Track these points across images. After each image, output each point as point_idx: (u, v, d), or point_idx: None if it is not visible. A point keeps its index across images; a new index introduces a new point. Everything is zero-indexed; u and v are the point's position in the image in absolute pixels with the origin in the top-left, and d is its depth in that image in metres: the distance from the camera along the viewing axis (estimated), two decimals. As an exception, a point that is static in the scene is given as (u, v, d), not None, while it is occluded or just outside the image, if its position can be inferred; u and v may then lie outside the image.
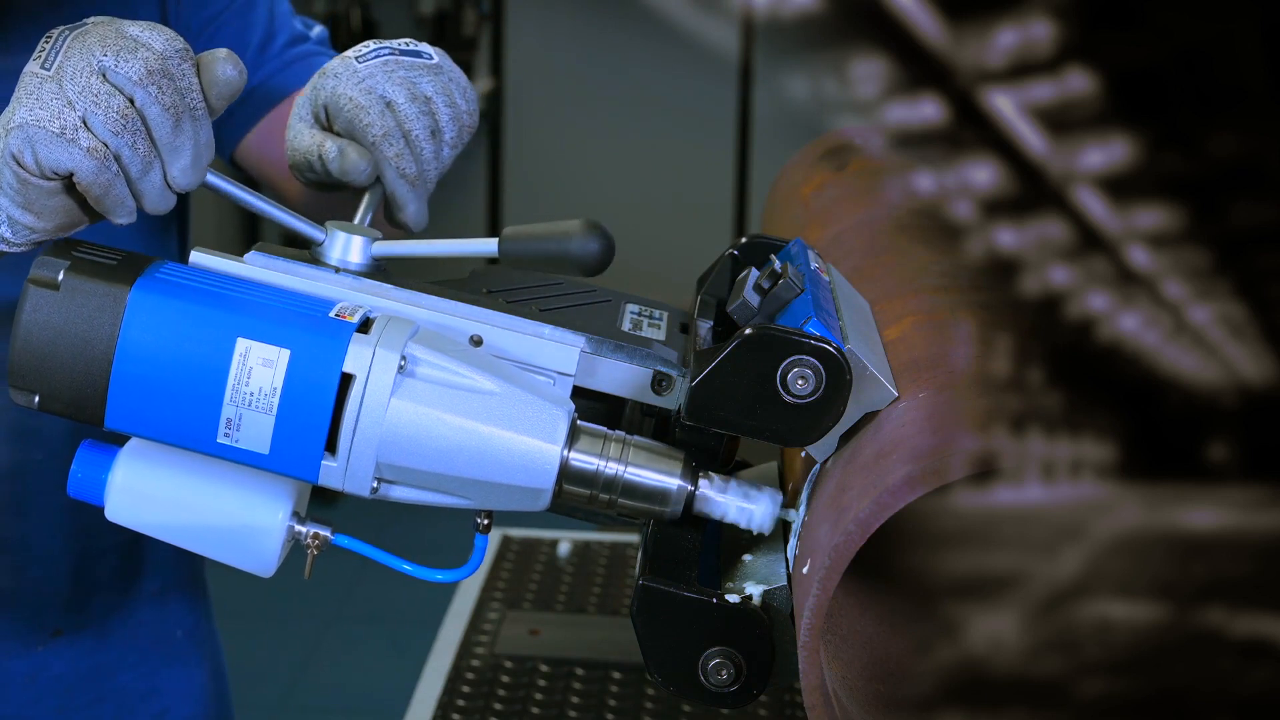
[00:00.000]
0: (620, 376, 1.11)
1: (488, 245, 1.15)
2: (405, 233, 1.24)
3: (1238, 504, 0.70)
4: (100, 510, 1.08)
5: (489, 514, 1.09)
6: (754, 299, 1.08)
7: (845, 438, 1.03)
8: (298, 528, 1.09)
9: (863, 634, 1.12)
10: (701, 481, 1.05)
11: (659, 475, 1.05)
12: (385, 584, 2.78)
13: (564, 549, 2.20)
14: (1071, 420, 0.78)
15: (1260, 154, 0.67)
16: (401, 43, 1.25)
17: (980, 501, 0.89)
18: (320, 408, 1.01)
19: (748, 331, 1.00)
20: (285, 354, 1.01)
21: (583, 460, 1.04)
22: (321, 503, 1.12)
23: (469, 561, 1.12)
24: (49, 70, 1.04)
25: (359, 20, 5.47)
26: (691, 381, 1.01)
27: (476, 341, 1.10)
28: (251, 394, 1.01)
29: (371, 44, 1.25)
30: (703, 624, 1.02)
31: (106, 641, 1.60)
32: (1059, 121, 0.74)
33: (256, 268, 1.10)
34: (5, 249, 1.09)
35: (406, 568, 1.10)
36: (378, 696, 3.88)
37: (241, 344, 1.02)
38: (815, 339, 0.99)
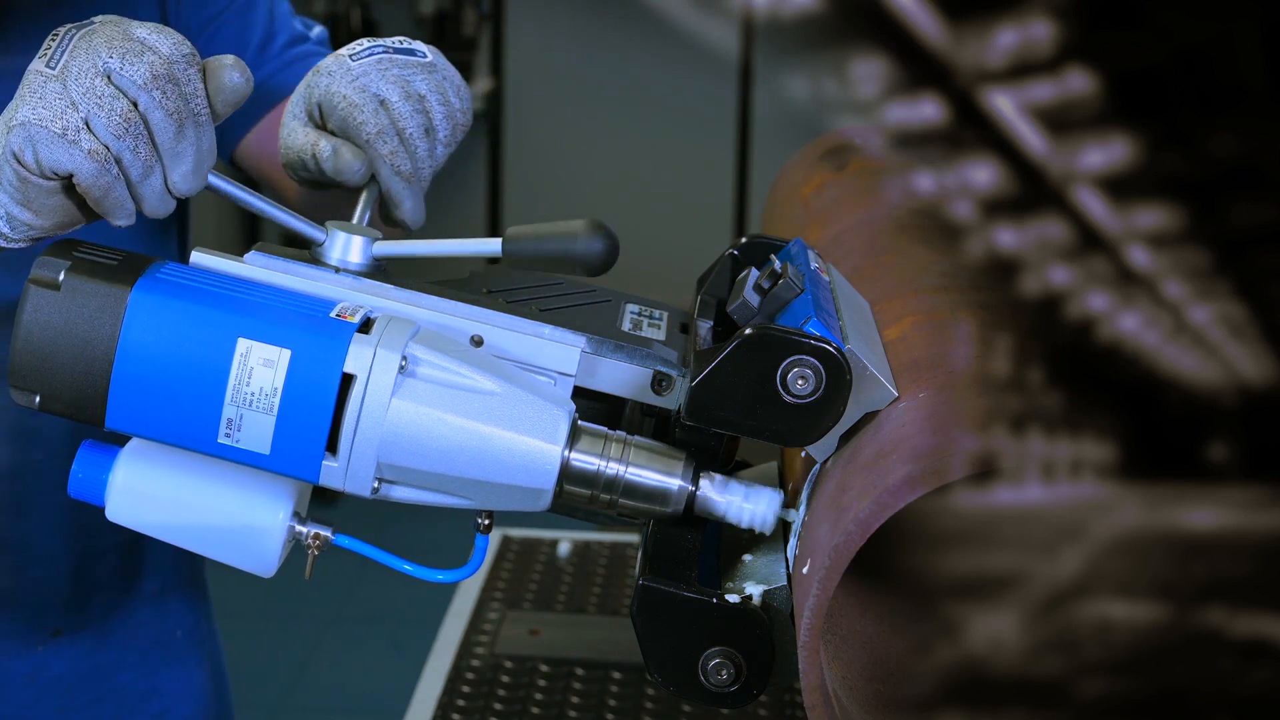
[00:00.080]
0: (620, 376, 1.11)
1: (491, 245, 1.15)
2: (403, 231, 1.24)
3: (1238, 504, 0.70)
4: (100, 510, 1.08)
5: (490, 514, 1.09)
6: (754, 299, 1.08)
7: (845, 438, 1.03)
8: (298, 528, 1.09)
9: (863, 634, 1.12)
10: (702, 481, 1.05)
11: (660, 475, 1.05)
12: (385, 584, 2.78)
13: (564, 549, 2.20)
14: (1071, 420, 0.78)
15: (1260, 154, 0.67)
16: (395, 41, 1.24)
17: (980, 501, 0.89)
18: (321, 408, 1.01)
19: (748, 331, 1.00)
20: (286, 354, 1.01)
21: (584, 460, 1.04)
22: (321, 503, 1.12)
23: (470, 562, 1.12)
24: (54, 69, 1.04)
25: (359, 20, 5.47)
26: (691, 381, 1.01)
27: (477, 342, 1.10)
28: (252, 394, 1.01)
29: (365, 42, 1.25)
30: (703, 624, 1.02)
31: (106, 641, 1.60)
32: (1059, 121, 0.74)
33: (257, 268, 1.10)
34: (3, 244, 1.08)
35: (407, 568, 1.10)
36: (378, 696, 3.88)
37: (242, 344, 1.02)
38: (815, 339, 0.99)
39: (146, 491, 1.08)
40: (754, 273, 1.09)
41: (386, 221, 1.23)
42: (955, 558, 0.83)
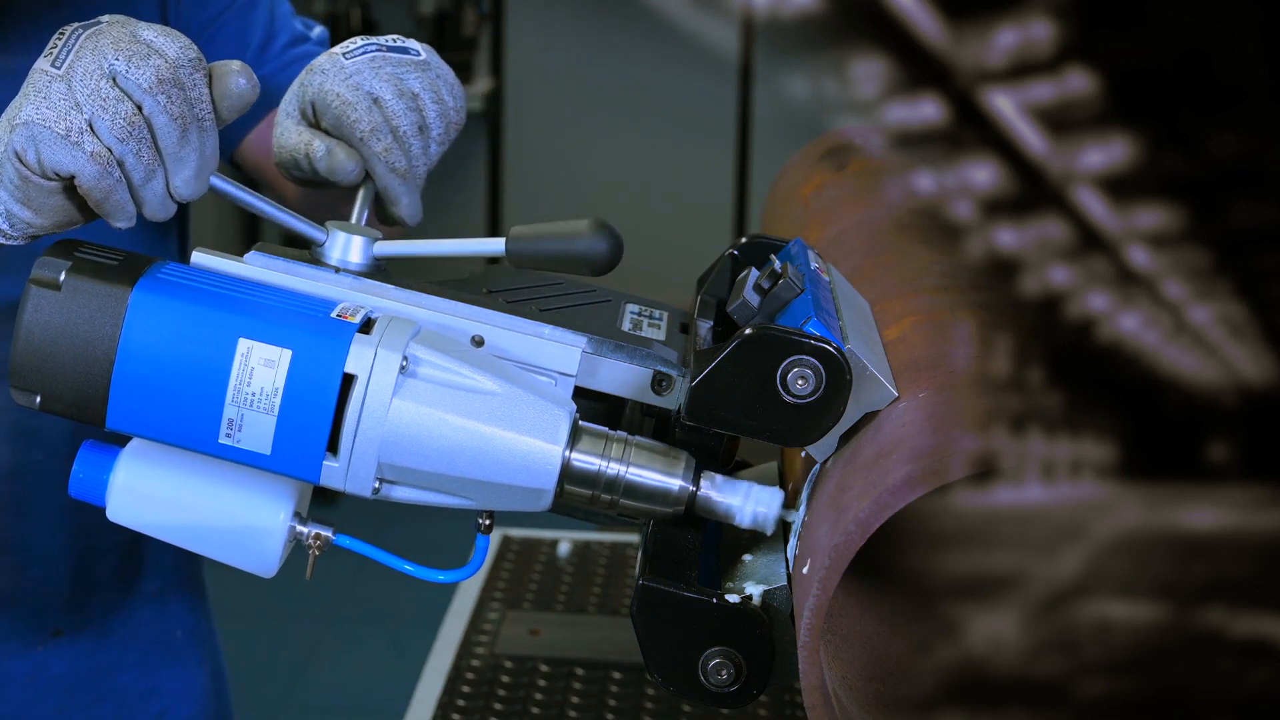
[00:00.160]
0: (620, 376, 1.11)
1: (494, 245, 1.15)
2: (401, 229, 1.24)
3: (1238, 504, 0.70)
4: (101, 510, 1.09)
5: (490, 514, 1.09)
6: (754, 299, 1.08)
7: (845, 438, 1.03)
8: (299, 528, 1.09)
9: (863, 634, 1.12)
10: (703, 482, 1.05)
11: (661, 475, 1.05)
12: (385, 584, 2.78)
13: (564, 549, 2.20)
14: (1071, 420, 0.78)
15: (1260, 154, 0.67)
16: (389, 39, 1.24)
17: (980, 501, 0.89)
18: (322, 408, 1.01)
19: (748, 331, 1.00)
20: (287, 354, 1.01)
21: (584, 461, 1.04)
22: (321, 503, 1.12)
23: (470, 562, 1.12)
24: (59, 69, 1.04)
25: (359, 20, 5.47)
26: (691, 381, 1.01)
27: (478, 342, 1.10)
28: (253, 394, 1.01)
29: (359, 40, 1.24)
30: (703, 624, 1.03)
31: (106, 642, 1.60)
32: (1059, 121, 0.74)
33: (257, 268, 1.10)
34: (2, 241, 1.08)
35: (408, 568, 1.10)
36: (378, 696, 3.88)
37: (243, 344, 1.02)
38: (815, 339, 0.99)
39: (147, 492, 1.08)
40: (754, 273, 1.09)
41: (384, 220, 1.23)
42: (955, 558, 0.83)
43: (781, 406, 1.00)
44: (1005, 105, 0.76)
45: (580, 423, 1.05)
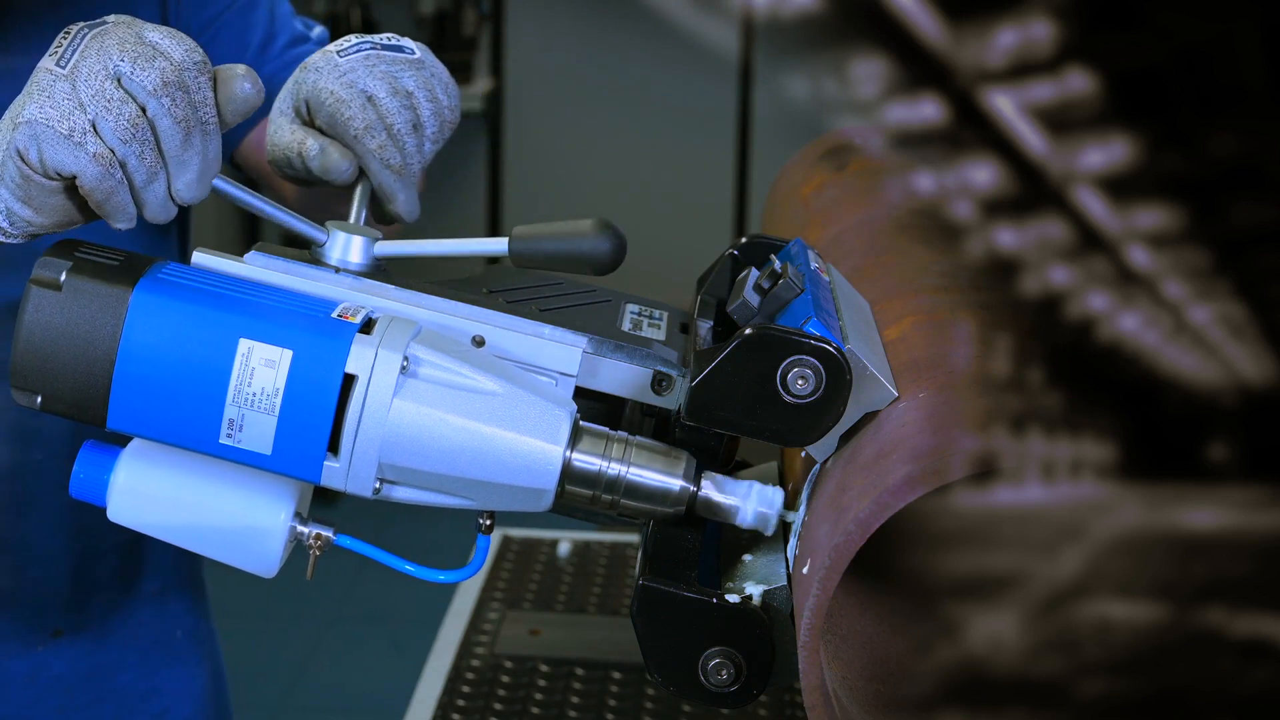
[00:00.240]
0: (620, 377, 1.11)
1: (497, 244, 1.15)
2: (399, 227, 1.24)
3: (1238, 504, 0.70)
4: (101, 510, 1.09)
5: (491, 515, 1.09)
6: (754, 299, 1.08)
7: (845, 438, 1.03)
8: (300, 528, 1.09)
9: (863, 634, 1.12)
10: (704, 482, 1.05)
11: (662, 476, 1.05)
12: (385, 584, 2.78)
13: (564, 549, 2.20)
14: (1071, 420, 0.78)
15: (1260, 154, 0.67)
16: (383, 37, 1.24)
17: (980, 501, 0.89)
18: (323, 408, 1.01)
19: (748, 331, 1.00)
20: (288, 355, 1.02)
21: (585, 461, 1.04)
22: (321, 502, 1.12)
23: (471, 562, 1.12)
24: (64, 69, 1.03)
25: (359, 20, 5.47)
26: (691, 381, 1.01)
27: (479, 342, 1.10)
28: (254, 395, 1.01)
29: (353, 38, 1.24)
30: (703, 624, 1.03)
31: (106, 642, 1.60)
32: (1059, 121, 0.74)
33: (258, 268, 1.10)
34: (2, 239, 1.08)
35: (409, 568, 1.10)
36: (378, 696, 3.88)
37: (244, 345, 1.02)
38: (815, 339, 0.99)
39: (148, 492, 1.08)
40: (754, 273, 1.09)
41: (381, 219, 1.23)
42: (955, 558, 0.83)
43: (781, 406, 1.00)
44: (1005, 105, 0.76)
45: (581, 423, 1.06)
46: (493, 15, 5.68)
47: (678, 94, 5.61)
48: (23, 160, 1.03)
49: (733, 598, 1.03)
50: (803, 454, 1.08)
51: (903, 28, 0.77)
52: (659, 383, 1.11)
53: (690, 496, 1.05)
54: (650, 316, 1.17)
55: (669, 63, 5.52)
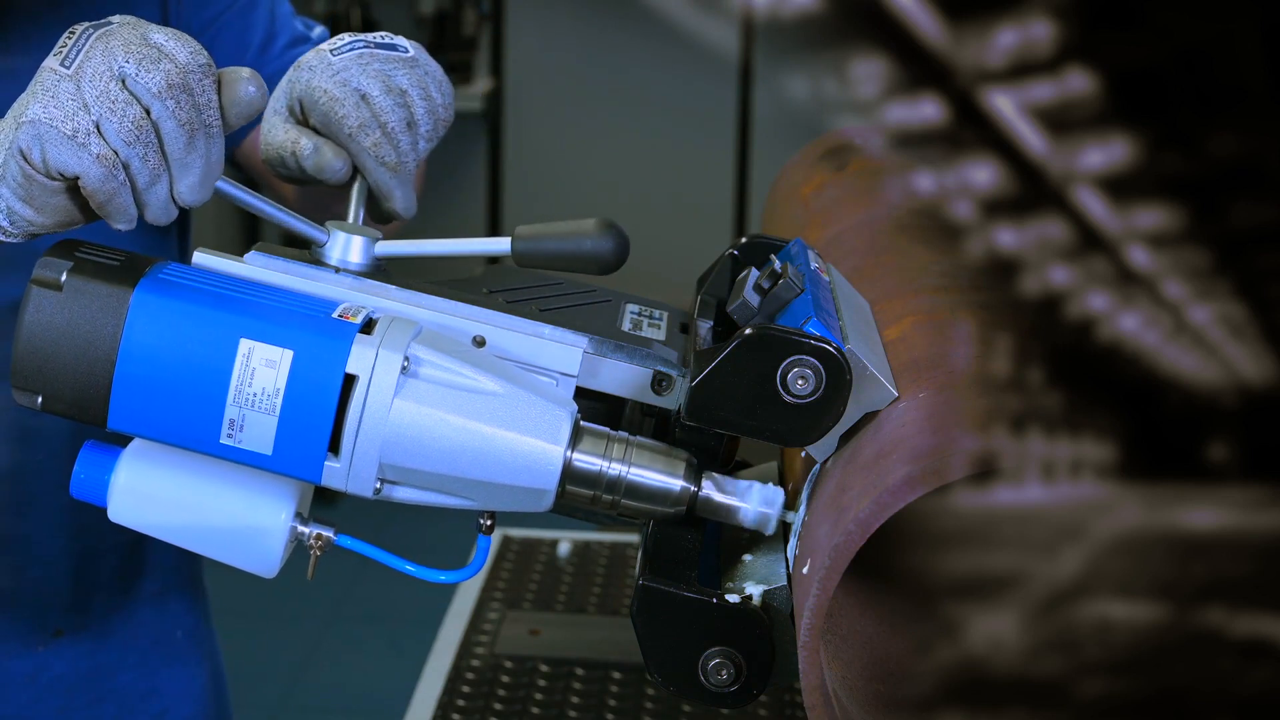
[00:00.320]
0: (620, 376, 1.11)
1: (500, 244, 1.14)
2: (398, 226, 1.24)
3: (1238, 504, 0.70)
4: (101, 511, 1.09)
5: (492, 515, 1.09)
6: (754, 299, 1.08)
7: (845, 438, 1.03)
8: (300, 528, 1.09)
9: (863, 634, 1.12)
10: (705, 482, 1.05)
11: (662, 476, 1.05)
12: (385, 584, 2.78)
13: (564, 549, 2.20)
14: (1071, 420, 0.78)
15: (1260, 154, 0.67)
16: (377, 36, 1.24)
17: (980, 501, 0.89)
18: (323, 408, 1.01)
19: (748, 331, 1.00)
20: (288, 355, 1.02)
21: (586, 461, 1.04)
22: (321, 502, 1.12)
23: (472, 562, 1.12)
24: (68, 69, 1.03)
25: (359, 20, 5.47)
26: (691, 381, 1.01)
27: (479, 342, 1.10)
28: (254, 395, 1.01)
29: (347, 37, 1.24)
30: (703, 624, 1.03)
31: (107, 642, 1.60)
32: (1059, 121, 0.74)
33: (259, 268, 1.10)
34: (2, 238, 1.08)
35: (409, 569, 1.10)
36: (378, 696, 3.88)
37: (244, 345, 1.02)
38: (815, 339, 0.99)
39: (149, 492, 1.08)
40: (754, 273, 1.09)
41: (378, 218, 1.23)
42: (955, 558, 0.83)
43: (781, 406, 1.00)
44: (1005, 105, 0.76)
45: (582, 423, 1.06)
46: (493, 15, 5.68)
47: (678, 94, 5.60)
48: (25, 160, 1.03)
49: (733, 598, 1.03)
50: (803, 454, 1.08)
51: (903, 28, 0.77)
52: (659, 383, 1.11)
53: (691, 496, 1.05)
54: (650, 316, 1.17)
55: (669, 63, 5.52)
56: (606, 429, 1.07)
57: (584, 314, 1.14)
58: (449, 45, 5.50)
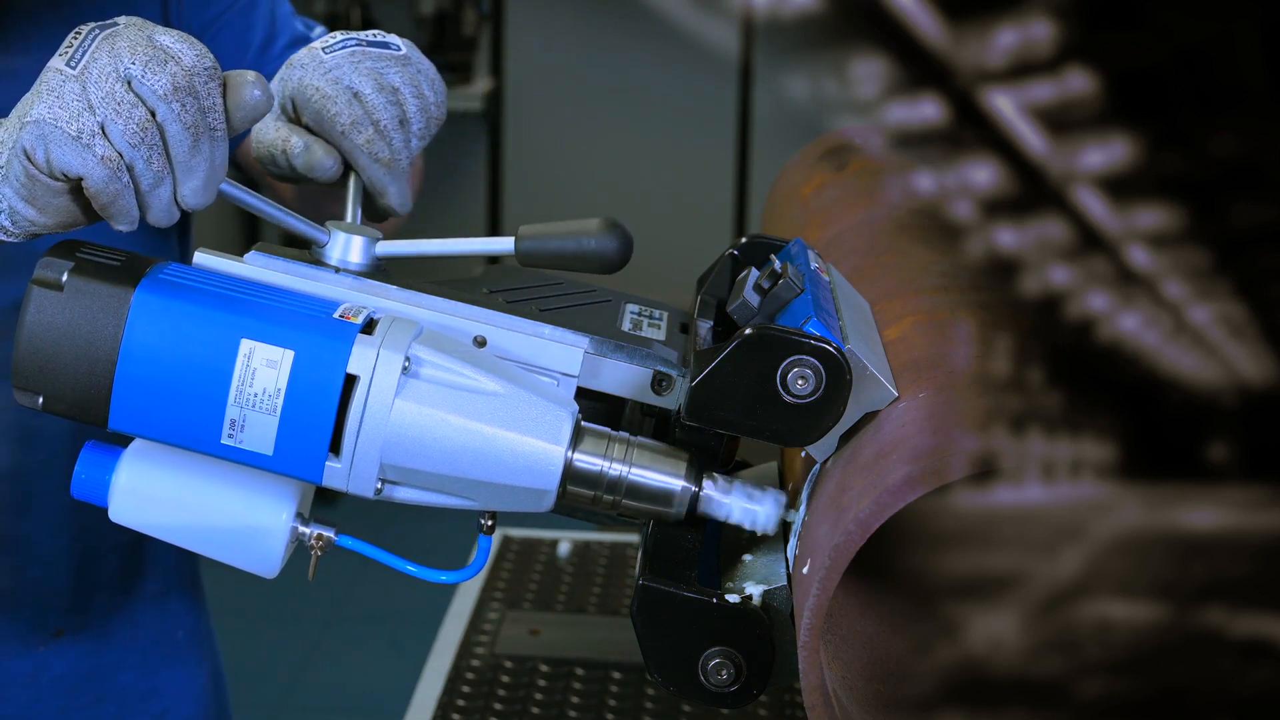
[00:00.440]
0: (621, 377, 1.11)
1: (503, 244, 1.15)
2: (396, 224, 1.24)
3: (1238, 504, 0.70)
4: (102, 511, 1.09)
5: (492, 515, 1.09)
6: (754, 299, 1.08)
7: (845, 438, 1.03)
8: (301, 529, 1.09)
9: (863, 634, 1.12)
10: (705, 482, 1.05)
11: (663, 476, 1.05)
12: (385, 584, 2.78)
13: (564, 549, 2.20)
14: (1071, 420, 0.78)
15: (1260, 154, 0.67)
16: (369, 34, 1.24)
17: (980, 501, 0.89)
18: (324, 409, 1.01)
19: (748, 331, 1.00)
20: (289, 355, 1.02)
21: (587, 461, 1.04)
22: (321, 502, 1.12)
23: (473, 562, 1.12)
24: (74, 69, 1.03)
25: (359, 20, 5.47)
26: (691, 381, 1.01)
27: (480, 342, 1.10)
28: (255, 395, 1.01)
29: (338, 35, 1.24)
30: (703, 624, 1.03)
31: (107, 642, 1.60)
32: (1059, 121, 0.74)
33: (259, 269, 1.10)
34: (3, 238, 1.08)
35: (410, 569, 1.10)
36: (378, 696, 3.88)
37: (245, 345, 1.02)
38: (815, 339, 0.99)
39: (149, 492, 1.08)
40: (754, 273, 1.09)
41: (374, 216, 1.23)
42: (955, 558, 0.83)
43: (781, 406, 1.00)
44: (1005, 105, 0.76)
45: (582, 423, 1.06)
46: (493, 15, 5.68)
47: (678, 94, 5.60)
48: (29, 160, 1.02)
49: (733, 598, 1.03)
50: (803, 454, 1.08)
51: (903, 28, 0.77)
52: (659, 383, 1.11)
53: (691, 497, 1.05)
54: (650, 316, 1.17)
55: (669, 63, 5.52)
56: (607, 429, 1.07)
57: (584, 314, 1.14)
58: (449, 45, 5.50)
